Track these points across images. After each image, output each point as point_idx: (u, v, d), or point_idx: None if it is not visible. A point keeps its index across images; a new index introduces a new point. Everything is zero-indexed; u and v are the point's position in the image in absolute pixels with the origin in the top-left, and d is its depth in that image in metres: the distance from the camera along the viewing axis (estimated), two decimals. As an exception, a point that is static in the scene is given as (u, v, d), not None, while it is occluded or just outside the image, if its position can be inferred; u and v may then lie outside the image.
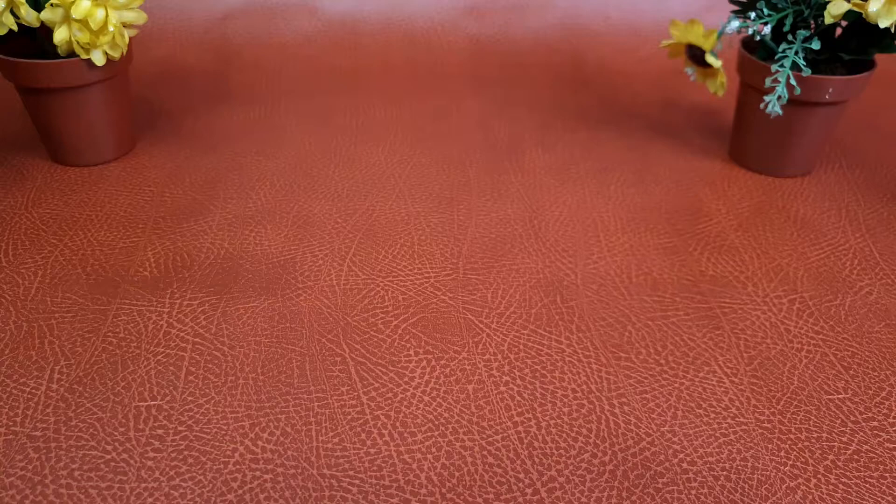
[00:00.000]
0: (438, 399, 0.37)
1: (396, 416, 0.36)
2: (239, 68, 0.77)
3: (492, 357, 0.40)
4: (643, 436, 0.36)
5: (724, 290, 0.47)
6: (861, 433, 0.37)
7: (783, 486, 0.34)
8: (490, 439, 0.35)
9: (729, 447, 0.36)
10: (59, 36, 0.49)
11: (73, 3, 0.48)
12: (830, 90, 0.55)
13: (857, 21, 0.54)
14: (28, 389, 0.38)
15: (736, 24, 0.56)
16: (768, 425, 0.37)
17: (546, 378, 0.39)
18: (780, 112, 0.54)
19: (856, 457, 0.36)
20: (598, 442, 0.36)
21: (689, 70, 0.62)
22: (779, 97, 0.54)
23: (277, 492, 0.32)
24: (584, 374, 0.40)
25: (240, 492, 0.32)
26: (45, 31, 0.52)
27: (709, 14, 0.86)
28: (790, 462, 0.35)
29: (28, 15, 0.49)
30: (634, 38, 0.85)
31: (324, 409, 0.37)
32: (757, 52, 0.59)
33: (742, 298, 0.46)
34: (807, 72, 0.53)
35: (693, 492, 0.33)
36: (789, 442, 0.36)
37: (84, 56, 0.51)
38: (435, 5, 0.85)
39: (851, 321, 0.45)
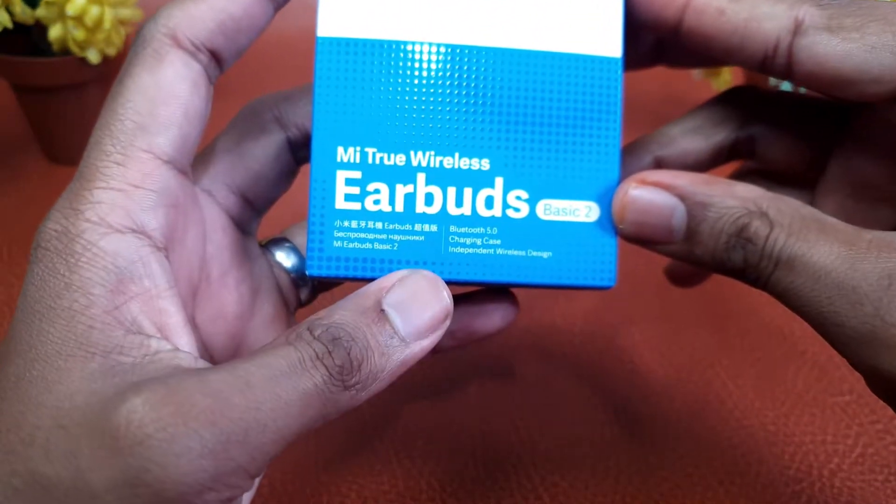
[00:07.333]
0: (440, 401, 0.37)
1: (396, 420, 0.36)
2: (237, 65, 0.77)
3: (494, 360, 0.40)
4: (646, 439, 0.36)
5: (729, 291, 0.47)
6: (866, 436, 0.36)
7: (787, 490, 0.33)
8: (492, 443, 0.35)
9: (733, 451, 0.35)
10: (54, 33, 0.49)
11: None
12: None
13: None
14: (23, 393, 0.37)
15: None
16: (772, 428, 0.37)
17: (549, 381, 0.39)
18: (783, 110, 0.54)
19: (860, 460, 0.35)
20: (601, 446, 0.35)
21: (691, 67, 0.62)
22: (782, 95, 0.53)
23: (275, 498, 0.32)
24: (587, 377, 0.39)
25: (238, 497, 0.32)
26: (40, 28, 0.52)
27: (710, 10, 0.86)
28: (794, 465, 0.35)
29: (23, 12, 0.49)
30: (635, 35, 0.84)
31: (323, 413, 0.36)
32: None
33: (747, 300, 0.46)
34: (810, 69, 0.53)
35: (697, 496, 0.33)
36: (793, 445, 0.36)
37: (79, 54, 0.51)
38: (434, 1, 0.84)
39: (855, 322, 0.44)
